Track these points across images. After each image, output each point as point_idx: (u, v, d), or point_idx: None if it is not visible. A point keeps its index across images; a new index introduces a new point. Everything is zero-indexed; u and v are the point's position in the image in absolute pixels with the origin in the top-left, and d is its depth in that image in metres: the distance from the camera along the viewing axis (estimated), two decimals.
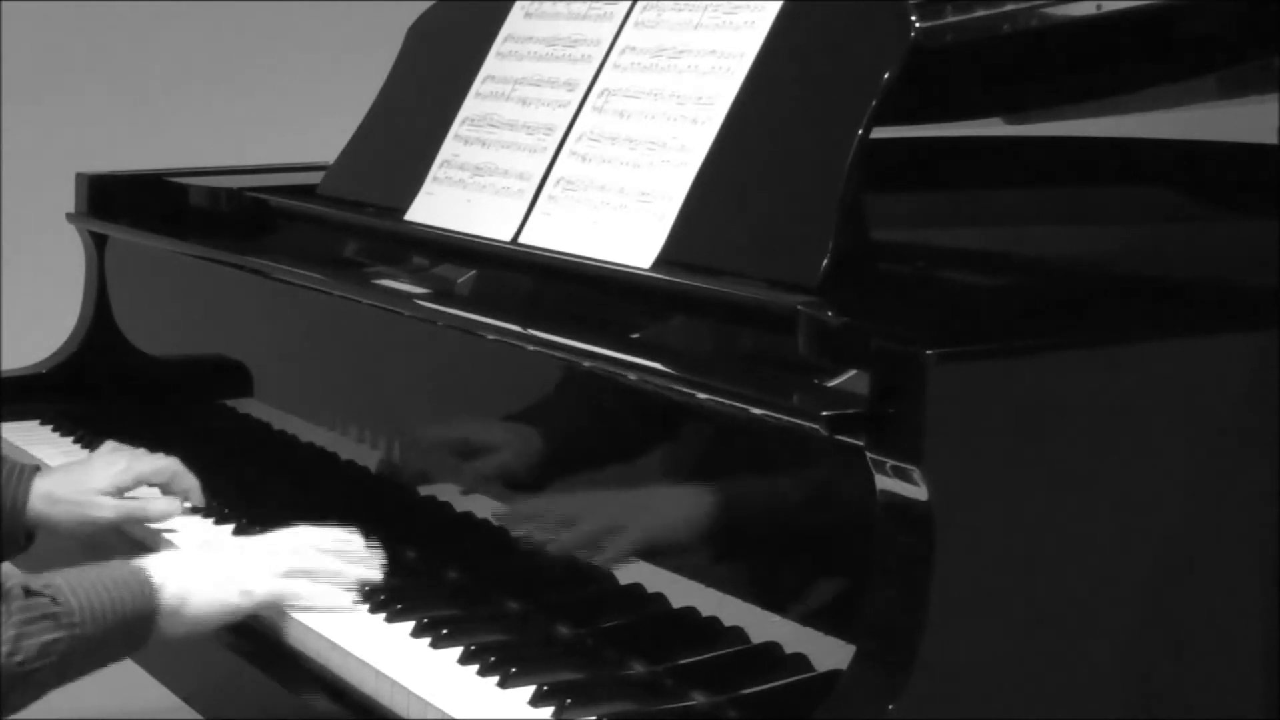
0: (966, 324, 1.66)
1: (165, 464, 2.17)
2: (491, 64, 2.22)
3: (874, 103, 1.76)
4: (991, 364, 1.50)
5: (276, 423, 2.35)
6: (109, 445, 2.23)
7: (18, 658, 1.66)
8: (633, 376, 1.73)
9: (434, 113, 2.24)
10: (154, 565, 1.79)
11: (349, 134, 2.39)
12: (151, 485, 2.17)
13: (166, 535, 2.14)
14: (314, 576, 1.88)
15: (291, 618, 1.89)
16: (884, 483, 1.47)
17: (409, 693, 1.71)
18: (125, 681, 2.27)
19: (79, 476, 2.14)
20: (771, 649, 1.63)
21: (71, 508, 2.12)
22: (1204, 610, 1.60)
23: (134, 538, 2.15)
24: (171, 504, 2.14)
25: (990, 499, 1.47)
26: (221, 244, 2.43)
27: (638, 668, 1.73)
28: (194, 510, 2.18)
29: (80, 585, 1.72)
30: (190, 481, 2.16)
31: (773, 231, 1.79)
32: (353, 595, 1.89)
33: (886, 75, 1.77)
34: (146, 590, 1.76)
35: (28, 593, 1.69)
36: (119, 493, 2.13)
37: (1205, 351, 1.61)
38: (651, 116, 1.95)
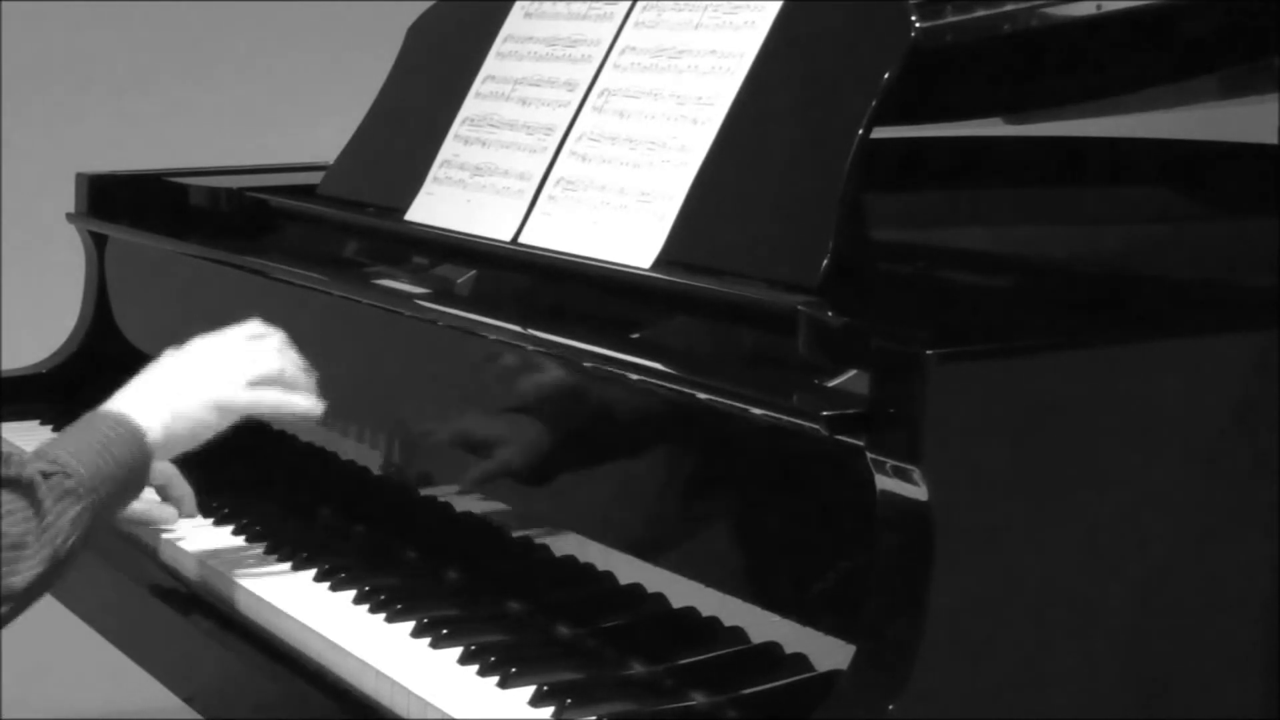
0: (966, 324, 1.66)
1: (161, 468, 2.16)
2: (491, 64, 2.22)
3: (874, 103, 1.76)
4: (991, 364, 1.50)
5: (276, 423, 2.35)
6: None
7: (60, 539, 1.72)
8: (633, 376, 1.73)
9: (434, 113, 2.24)
10: (134, 410, 1.84)
11: (349, 134, 2.40)
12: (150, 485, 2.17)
13: (165, 535, 2.13)
14: (281, 381, 1.95)
15: (291, 617, 1.89)
16: (884, 483, 1.47)
17: (409, 693, 1.71)
18: (125, 681, 2.28)
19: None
20: (771, 649, 1.63)
21: None
22: (1204, 609, 1.60)
23: (134, 537, 2.15)
24: (171, 510, 2.14)
25: (990, 499, 1.47)
26: (221, 244, 2.43)
27: (638, 668, 1.73)
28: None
29: (82, 452, 1.77)
30: (183, 490, 2.15)
31: (773, 231, 1.79)
32: (321, 408, 1.97)
33: (886, 75, 1.77)
34: (137, 435, 1.82)
35: (45, 475, 1.73)
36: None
37: (1205, 351, 1.61)
38: (651, 116, 1.95)
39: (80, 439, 1.80)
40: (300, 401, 1.97)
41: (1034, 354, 1.53)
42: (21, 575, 1.70)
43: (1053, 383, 1.51)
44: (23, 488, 1.72)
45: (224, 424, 1.92)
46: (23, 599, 1.71)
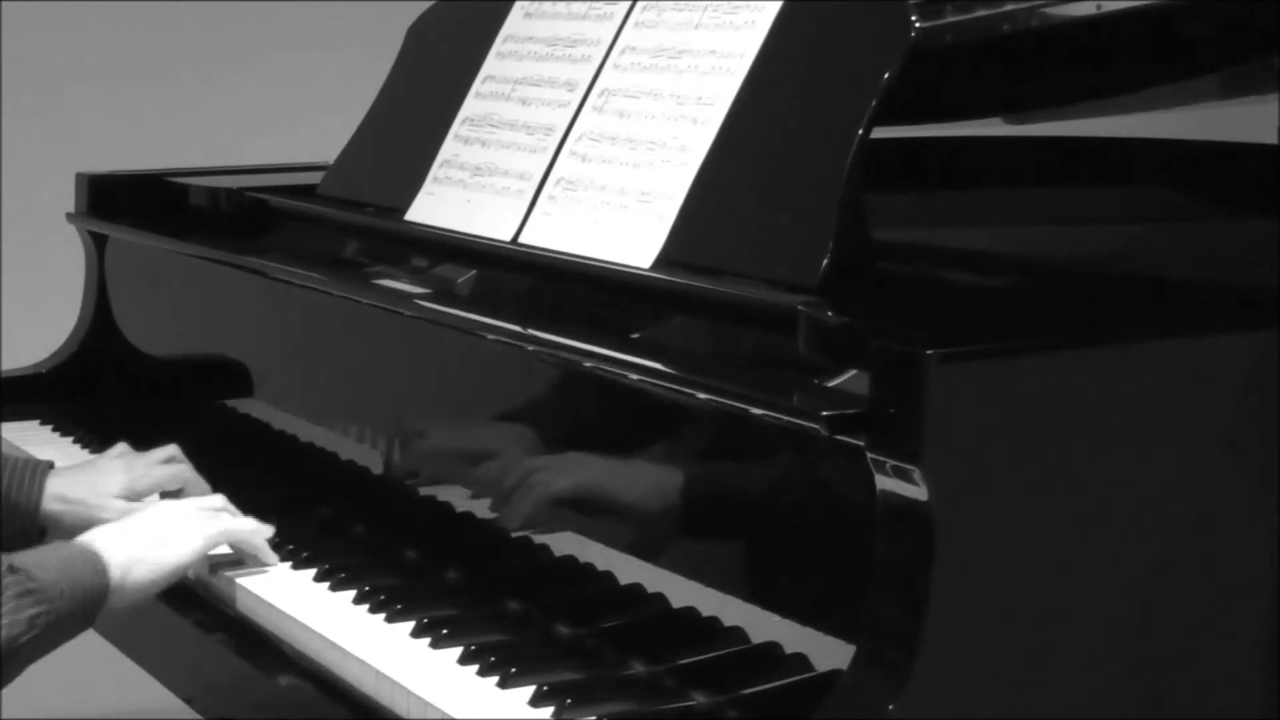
0: (966, 324, 1.66)
1: (178, 471, 2.17)
2: (491, 64, 2.22)
3: (874, 103, 1.76)
4: (991, 364, 1.50)
5: (276, 423, 2.35)
6: (120, 447, 2.23)
7: (15, 631, 1.73)
8: (633, 376, 1.73)
9: (434, 113, 2.24)
10: (99, 544, 1.86)
11: (349, 134, 2.40)
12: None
13: None
14: (233, 535, 1.99)
15: (291, 617, 1.89)
16: (884, 483, 1.47)
17: (409, 693, 1.71)
18: (125, 681, 2.28)
19: (92, 479, 2.15)
20: (771, 649, 1.63)
21: (82, 509, 2.13)
22: (1204, 609, 1.60)
23: None
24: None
25: (990, 499, 1.47)
26: (221, 244, 2.43)
27: (638, 668, 1.73)
28: None
29: (44, 563, 1.79)
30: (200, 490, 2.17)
31: (773, 231, 1.79)
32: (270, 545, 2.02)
33: (886, 75, 1.77)
34: (99, 566, 1.83)
35: (10, 569, 1.75)
36: (134, 496, 2.14)
37: (1205, 351, 1.61)
38: (651, 116, 1.95)
39: (47, 554, 1.83)
40: (252, 534, 2.02)
41: (1034, 354, 1.53)
42: None
43: (1053, 383, 1.51)
44: None
45: (184, 566, 1.94)
46: None
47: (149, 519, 1.96)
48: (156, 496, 2.17)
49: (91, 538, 1.88)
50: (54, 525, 2.15)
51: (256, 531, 2.02)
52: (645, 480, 1.79)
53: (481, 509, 1.97)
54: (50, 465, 2.17)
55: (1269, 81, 2.31)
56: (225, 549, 2.07)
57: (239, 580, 2.00)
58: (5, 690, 1.77)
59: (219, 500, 2.04)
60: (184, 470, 2.17)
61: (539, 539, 1.89)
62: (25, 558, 1.79)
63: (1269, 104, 2.35)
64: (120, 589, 1.85)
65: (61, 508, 2.13)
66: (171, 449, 2.19)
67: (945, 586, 1.45)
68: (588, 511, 1.84)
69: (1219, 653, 1.61)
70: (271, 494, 2.23)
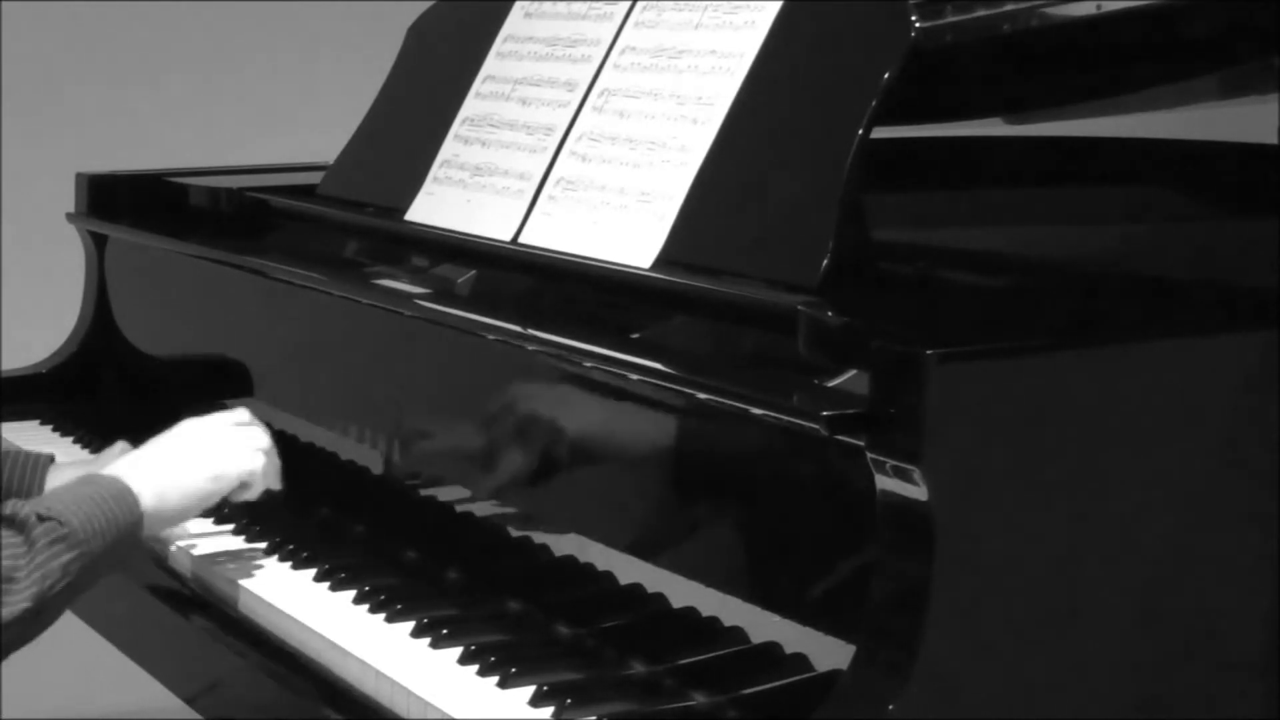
0: (966, 324, 1.66)
1: None
2: (491, 64, 2.22)
3: (874, 103, 1.76)
4: (991, 364, 1.50)
5: (276, 423, 2.35)
6: (120, 446, 2.23)
7: (48, 581, 1.74)
8: (633, 376, 1.73)
9: (434, 113, 2.24)
10: (128, 474, 1.87)
11: (349, 134, 2.40)
12: None
13: (175, 541, 2.13)
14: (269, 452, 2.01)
15: (291, 617, 1.89)
16: (884, 483, 1.47)
17: (409, 693, 1.71)
18: (125, 681, 2.28)
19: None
20: (771, 649, 1.63)
21: None
22: (1204, 610, 1.60)
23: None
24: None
25: (990, 499, 1.47)
26: (221, 244, 2.43)
27: (638, 668, 1.73)
28: None
29: (76, 505, 1.79)
30: None
31: (773, 231, 1.79)
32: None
33: (886, 75, 1.77)
34: (130, 499, 1.84)
35: (40, 519, 1.75)
36: None
37: (1205, 351, 1.61)
38: (651, 116, 1.95)
39: (76, 494, 1.83)
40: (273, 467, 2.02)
41: (1034, 354, 1.53)
42: (8, 607, 1.71)
43: (1053, 383, 1.51)
44: (17, 524, 1.73)
45: (216, 497, 1.97)
46: (7, 634, 1.72)
47: (178, 441, 1.97)
48: None
49: (119, 469, 1.88)
50: None
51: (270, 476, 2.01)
52: (645, 480, 1.79)
53: (481, 509, 1.97)
54: (51, 458, 2.17)
55: (1269, 81, 2.32)
56: (224, 549, 2.07)
57: (239, 581, 2.00)
58: (5, 690, 1.77)
59: (244, 414, 2.04)
60: None
61: (539, 539, 1.89)
62: (55, 501, 1.79)
63: (1269, 104, 2.35)
64: (155, 515, 1.87)
65: None
66: None
67: (945, 586, 1.45)
68: (588, 511, 1.84)
69: (1219, 653, 1.61)
70: (271, 494, 2.23)
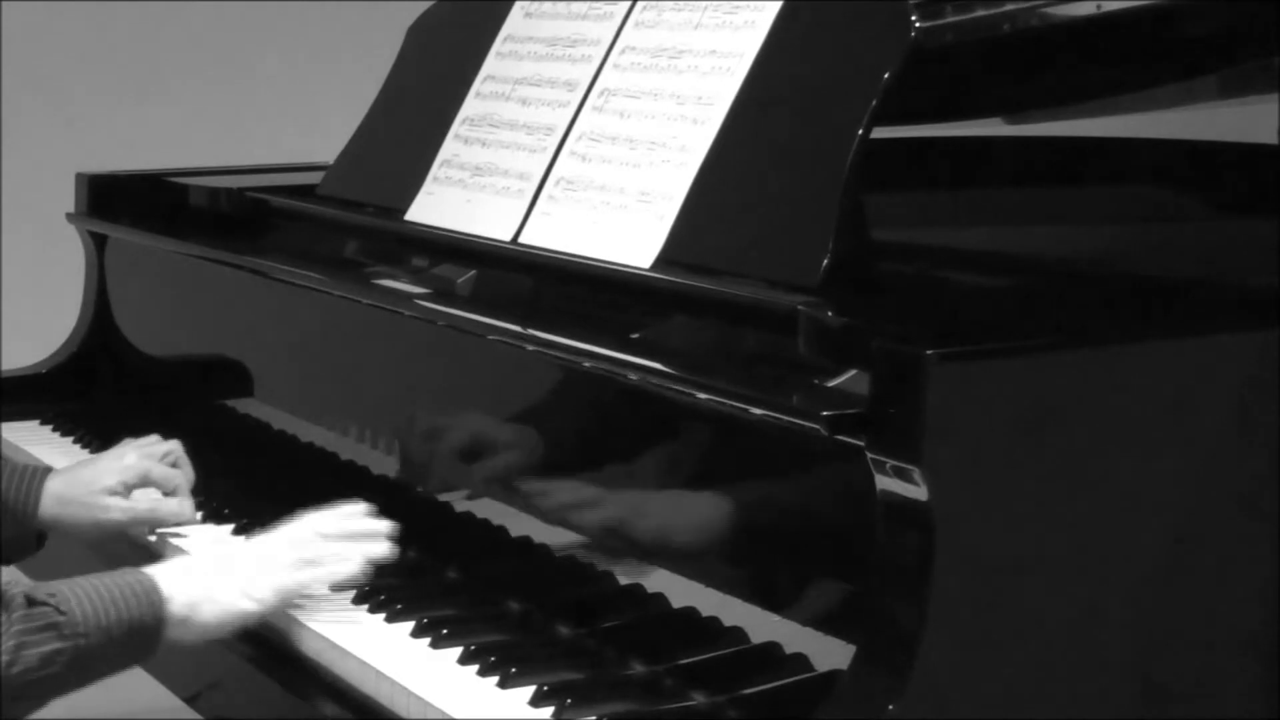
0: (966, 324, 1.66)
1: (171, 474, 2.16)
2: (491, 64, 2.22)
3: (874, 103, 1.76)
4: (991, 364, 1.50)
5: (276, 423, 2.35)
6: (124, 443, 2.22)
7: (16, 668, 1.65)
8: (633, 376, 1.73)
9: (434, 113, 2.24)
10: (163, 575, 1.77)
11: (349, 134, 2.39)
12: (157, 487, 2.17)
13: (173, 540, 2.13)
14: (321, 564, 1.85)
15: (292, 617, 1.89)
16: (884, 483, 1.47)
17: (409, 693, 1.71)
18: (125, 681, 2.27)
19: (88, 477, 2.14)
20: (771, 649, 1.63)
21: (81, 509, 2.11)
22: (1204, 609, 1.60)
23: (141, 540, 2.15)
24: (183, 506, 2.14)
25: (990, 499, 1.47)
26: (221, 244, 2.43)
27: (638, 668, 1.73)
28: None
29: (86, 595, 1.70)
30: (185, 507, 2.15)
31: (773, 231, 1.79)
32: (358, 581, 1.86)
33: (886, 75, 1.77)
34: (155, 600, 1.74)
35: (31, 602, 1.68)
36: (127, 490, 2.13)
37: (1205, 351, 1.61)
38: (651, 116, 1.95)
39: (94, 584, 1.73)
40: (330, 592, 1.88)
41: (1034, 354, 1.53)
42: None
43: (1053, 383, 1.51)
44: (3, 603, 1.65)
45: (255, 615, 1.82)
46: None
47: (234, 554, 1.87)
48: (157, 493, 2.17)
49: (160, 567, 1.79)
50: (54, 527, 2.15)
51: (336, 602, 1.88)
52: (645, 481, 1.79)
53: (481, 509, 1.97)
54: (49, 469, 2.16)
55: (1269, 81, 2.31)
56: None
57: None
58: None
59: (359, 510, 1.90)
60: (174, 475, 2.16)
61: (539, 539, 1.89)
62: (67, 587, 1.71)
63: (1269, 104, 2.35)
64: (185, 625, 1.76)
65: (59, 509, 2.12)
66: (172, 444, 2.18)
67: (945, 587, 1.45)
68: (589, 513, 1.84)
69: (1219, 653, 1.61)
70: (272, 494, 2.23)
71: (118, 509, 2.11)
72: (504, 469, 1.94)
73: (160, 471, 2.15)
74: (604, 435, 1.84)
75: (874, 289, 1.79)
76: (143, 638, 1.74)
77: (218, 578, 1.81)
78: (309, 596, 1.87)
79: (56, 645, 1.67)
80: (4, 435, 2.55)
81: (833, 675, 1.54)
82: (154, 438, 2.19)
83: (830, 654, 1.55)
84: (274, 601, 1.83)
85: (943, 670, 1.45)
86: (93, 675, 1.73)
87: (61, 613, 1.68)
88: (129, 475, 2.13)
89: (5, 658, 1.64)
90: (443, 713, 1.67)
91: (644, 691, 1.69)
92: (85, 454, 2.45)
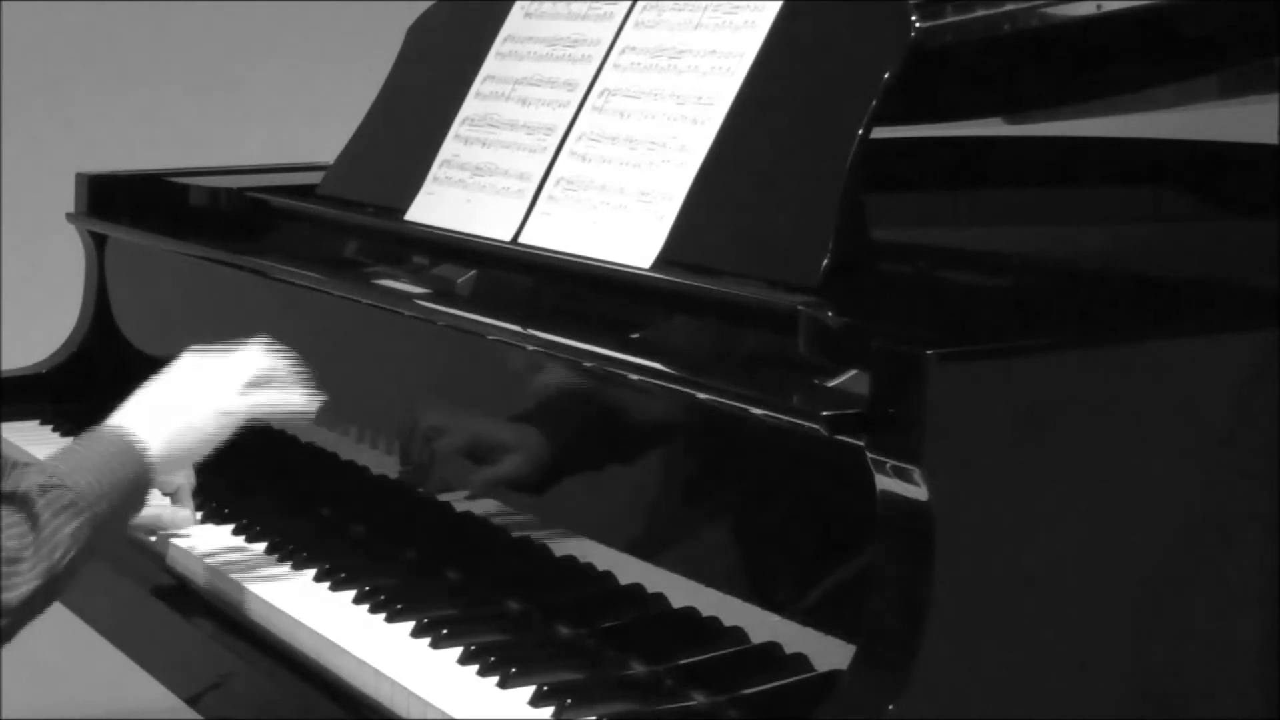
0: (966, 324, 1.66)
1: (171, 477, 2.16)
2: (491, 64, 2.22)
3: (874, 103, 1.76)
4: (991, 364, 1.50)
5: (277, 423, 2.35)
6: None
7: (59, 554, 1.72)
8: (633, 376, 1.73)
9: (434, 113, 2.24)
10: (134, 426, 1.84)
11: (349, 134, 2.39)
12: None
13: (174, 541, 2.13)
14: (275, 380, 1.96)
15: (291, 617, 1.89)
16: (884, 483, 1.47)
17: (409, 693, 1.71)
18: (125, 681, 2.28)
19: None
20: (771, 649, 1.63)
21: None
22: (1204, 610, 1.60)
23: (141, 541, 2.15)
24: (183, 509, 2.14)
25: (990, 499, 1.47)
26: (221, 244, 2.43)
27: (638, 668, 1.73)
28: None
29: (80, 467, 1.77)
30: (186, 510, 2.16)
31: (773, 231, 1.79)
32: (318, 400, 1.97)
33: (886, 75, 1.77)
34: (136, 452, 1.82)
35: (43, 490, 1.73)
36: None
37: (1205, 351, 1.61)
38: (651, 116, 1.95)
39: (80, 455, 1.80)
40: (296, 398, 1.97)
41: (1034, 354, 1.53)
42: (17, 590, 1.69)
43: (1053, 383, 1.51)
44: (18, 502, 1.71)
45: (225, 432, 1.92)
46: (19, 614, 1.71)
47: (179, 381, 1.93)
48: (157, 495, 2.17)
49: (127, 419, 1.85)
50: None
51: (300, 408, 1.97)
52: (645, 481, 1.80)
53: (482, 509, 1.97)
54: None
55: (1269, 81, 2.32)
56: (224, 549, 2.07)
57: (239, 580, 2.00)
58: (5, 690, 1.76)
59: (257, 347, 1.99)
60: (175, 478, 2.16)
61: (539, 539, 1.89)
62: (59, 463, 1.77)
63: (1269, 104, 2.35)
64: (166, 463, 1.86)
65: None
66: None
67: (945, 586, 1.45)
68: (588, 511, 1.84)
69: (1219, 653, 1.61)
70: (272, 494, 2.23)
71: None
72: (504, 468, 1.94)
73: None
74: (604, 435, 1.84)
75: (874, 289, 1.79)
76: (136, 492, 1.82)
77: (182, 411, 1.89)
78: (274, 411, 1.95)
79: (77, 521, 1.74)
80: (4, 435, 2.56)
81: (833, 675, 1.54)
82: None
83: (830, 654, 1.55)
84: (241, 415, 1.92)
85: (942, 670, 1.45)
86: (107, 541, 1.80)
87: (69, 489, 1.74)
88: None
89: (47, 547, 1.70)
90: (443, 713, 1.67)
91: (644, 691, 1.69)
92: None
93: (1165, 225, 2.43)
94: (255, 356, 1.97)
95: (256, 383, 1.94)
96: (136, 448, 1.82)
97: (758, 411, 1.59)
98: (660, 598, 1.75)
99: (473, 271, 2.04)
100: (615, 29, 2.06)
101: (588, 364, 1.79)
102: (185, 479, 2.17)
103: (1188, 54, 2.29)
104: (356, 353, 2.19)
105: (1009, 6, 2.00)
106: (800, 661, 1.60)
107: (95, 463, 1.78)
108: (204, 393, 1.92)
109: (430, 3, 2.43)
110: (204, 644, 1.98)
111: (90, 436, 1.84)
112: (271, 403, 1.96)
